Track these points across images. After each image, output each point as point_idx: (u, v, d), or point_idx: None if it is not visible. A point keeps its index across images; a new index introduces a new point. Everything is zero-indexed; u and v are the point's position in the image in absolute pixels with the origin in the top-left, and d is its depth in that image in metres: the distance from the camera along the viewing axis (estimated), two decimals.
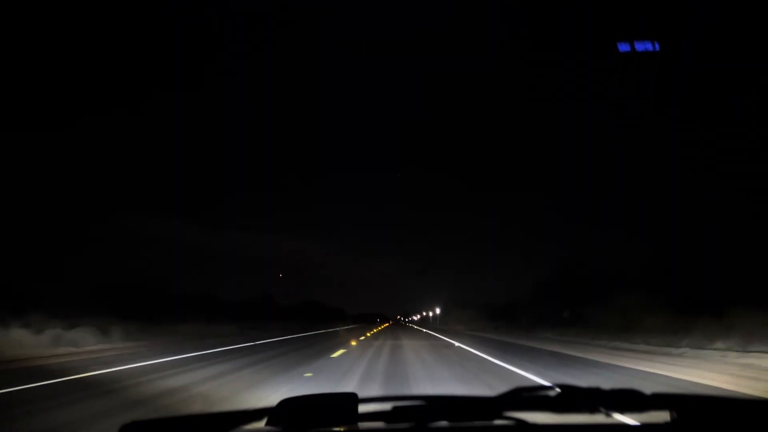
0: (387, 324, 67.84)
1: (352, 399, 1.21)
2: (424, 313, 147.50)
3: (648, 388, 1.23)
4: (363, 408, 1.19)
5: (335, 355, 13.77)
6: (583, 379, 8.39)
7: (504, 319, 44.02)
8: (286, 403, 1.19)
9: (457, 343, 20.23)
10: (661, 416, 1.27)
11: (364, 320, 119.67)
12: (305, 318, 61.21)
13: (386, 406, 1.14)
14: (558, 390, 1.17)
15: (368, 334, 31.96)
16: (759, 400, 1.44)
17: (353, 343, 20.53)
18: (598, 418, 1.20)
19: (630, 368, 10.49)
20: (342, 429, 1.22)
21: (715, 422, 1.20)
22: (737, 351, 12.75)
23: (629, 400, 1.16)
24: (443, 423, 1.15)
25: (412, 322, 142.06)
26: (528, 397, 1.17)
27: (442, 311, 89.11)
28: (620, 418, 1.21)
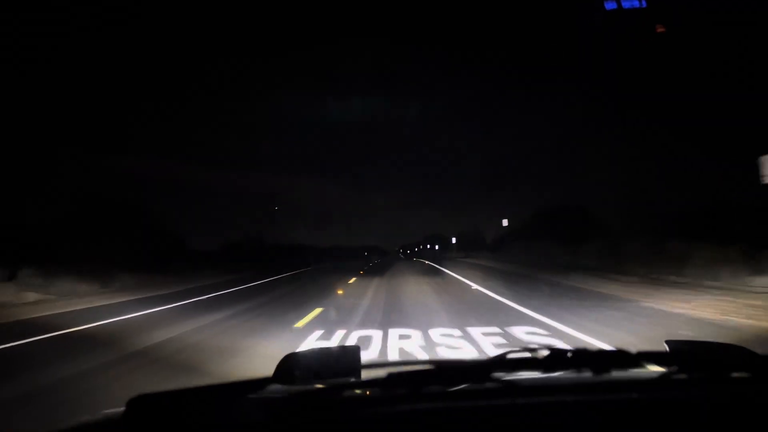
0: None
1: (354, 352, 1.24)
2: (426, 246, 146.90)
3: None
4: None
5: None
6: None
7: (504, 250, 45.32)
8: (290, 359, 1.22)
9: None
10: (648, 373, 1.32)
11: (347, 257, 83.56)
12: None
13: (381, 373, 1.18)
14: (547, 352, 1.20)
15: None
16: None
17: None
18: (585, 377, 1.24)
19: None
20: (348, 392, 1.26)
21: (705, 378, 1.23)
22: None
23: (614, 358, 1.20)
24: (435, 388, 1.20)
25: (414, 255, 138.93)
26: (517, 359, 1.20)
27: (451, 245, 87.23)
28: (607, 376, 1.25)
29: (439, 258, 59.50)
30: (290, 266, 37.32)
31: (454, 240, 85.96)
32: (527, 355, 1.22)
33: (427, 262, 47.51)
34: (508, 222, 50.08)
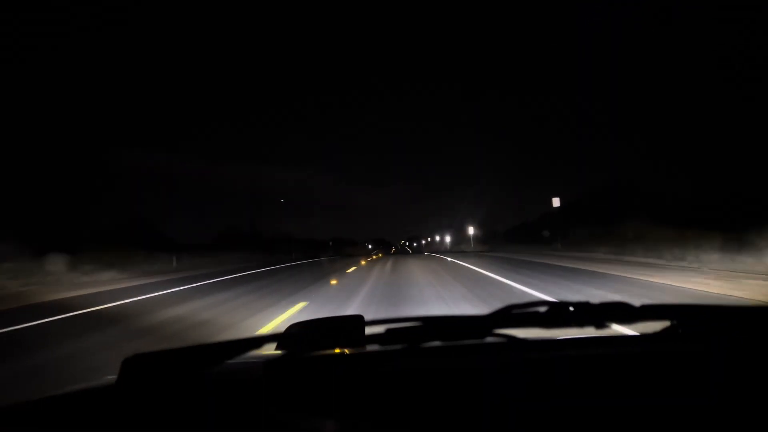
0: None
1: (358, 321, 1.23)
2: (435, 238, 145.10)
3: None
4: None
5: None
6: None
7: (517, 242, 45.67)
8: (294, 327, 1.22)
9: None
10: (651, 327, 1.30)
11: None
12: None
13: (380, 329, 1.17)
14: (547, 306, 1.18)
15: None
16: (756, 306, 1.46)
17: None
18: (588, 332, 1.23)
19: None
20: (347, 351, 1.26)
21: (708, 331, 1.22)
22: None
23: (618, 312, 1.18)
24: (435, 343, 1.18)
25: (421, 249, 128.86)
26: (518, 314, 1.18)
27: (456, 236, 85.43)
28: (609, 331, 1.23)
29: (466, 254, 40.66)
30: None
31: (471, 231, 76.99)
32: (528, 310, 1.20)
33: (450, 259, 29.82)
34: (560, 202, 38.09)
